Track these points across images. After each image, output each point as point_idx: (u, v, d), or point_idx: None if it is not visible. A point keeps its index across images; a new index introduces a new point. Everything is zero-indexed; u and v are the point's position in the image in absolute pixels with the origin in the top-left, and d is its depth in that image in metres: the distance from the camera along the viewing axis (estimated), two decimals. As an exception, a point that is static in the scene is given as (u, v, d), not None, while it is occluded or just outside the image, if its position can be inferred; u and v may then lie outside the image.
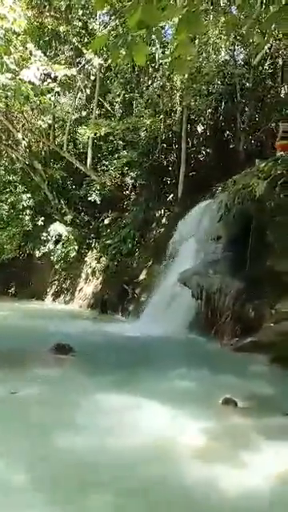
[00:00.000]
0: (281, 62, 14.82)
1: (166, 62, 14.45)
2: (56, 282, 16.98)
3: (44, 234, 16.42)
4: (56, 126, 17.81)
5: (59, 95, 16.45)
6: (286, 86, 14.44)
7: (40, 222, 16.50)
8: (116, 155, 16.08)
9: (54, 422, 4.10)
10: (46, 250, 16.42)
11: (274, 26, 5.02)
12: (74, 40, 15.66)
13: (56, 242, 16.30)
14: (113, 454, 3.51)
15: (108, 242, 15.04)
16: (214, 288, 9.12)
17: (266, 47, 13.19)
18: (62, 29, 15.19)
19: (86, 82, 16.11)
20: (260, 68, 14.77)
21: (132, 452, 3.56)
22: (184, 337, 8.87)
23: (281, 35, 12.68)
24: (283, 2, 4.12)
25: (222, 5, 12.80)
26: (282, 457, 3.56)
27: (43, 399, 4.74)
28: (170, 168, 15.91)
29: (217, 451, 3.64)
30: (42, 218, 16.55)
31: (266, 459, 3.51)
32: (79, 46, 15.69)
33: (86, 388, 5.14)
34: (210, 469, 3.30)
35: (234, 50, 14.80)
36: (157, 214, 14.92)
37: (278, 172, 8.44)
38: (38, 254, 16.61)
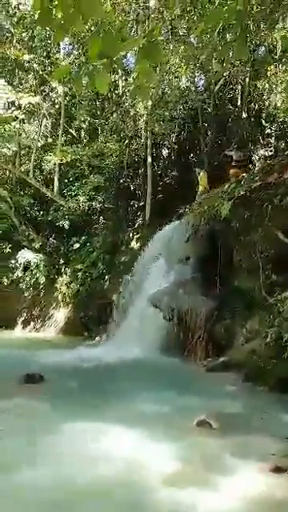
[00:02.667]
0: (240, 88, 15.45)
1: (129, 89, 14.81)
2: (26, 310, 16.64)
3: (12, 262, 16.16)
4: (22, 152, 17.81)
5: (24, 123, 16.52)
6: (244, 110, 14.99)
7: (8, 250, 16.25)
8: (83, 181, 16.17)
9: (22, 453, 3.96)
10: (15, 278, 16.14)
11: (230, 53, 5.27)
12: (37, 69, 15.85)
13: (25, 269, 16.05)
14: (84, 482, 3.41)
15: (78, 266, 14.95)
16: (184, 308, 9.19)
17: (224, 74, 13.75)
18: (25, 58, 15.36)
19: (50, 110, 16.26)
20: (220, 94, 15.34)
21: (104, 480, 3.47)
22: (156, 358, 8.82)
23: (238, 62, 13.27)
24: (238, 31, 4.35)
25: (181, 34, 13.31)
26: (257, 478, 3.55)
27: (11, 430, 4.59)
28: (137, 191, 16.11)
29: (192, 475, 3.60)
30: (10, 246, 16.32)
31: (241, 481, 3.48)
32: (43, 75, 15.90)
33: (55, 417, 5.01)
34: (185, 494, 3.24)
35: (195, 76, 15.34)
36: (126, 237, 14.99)
37: (241, 193, 8.68)
38: (6, 281, 16.29)
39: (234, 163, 11.22)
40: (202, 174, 12.46)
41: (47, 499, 3.17)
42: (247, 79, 14.63)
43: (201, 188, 12.33)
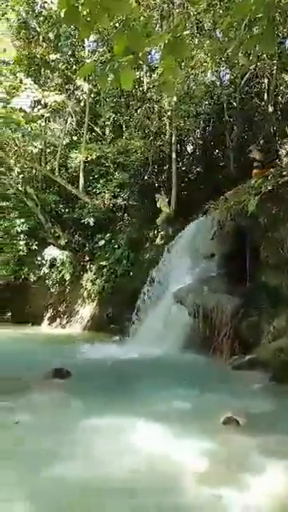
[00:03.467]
0: (266, 82, 15.18)
1: (154, 85, 14.77)
2: (52, 306, 16.88)
3: (38, 259, 16.40)
4: (47, 151, 18.00)
5: (50, 121, 16.68)
6: (271, 104, 14.72)
7: (34, 247, 16.50)
8: (108, 178, 16.23)
9: (52, 448, 4.02)
10: (41, 274, 16.38)
11: (257, 47, 5.18)
12: (63, 67, 15.95)
13: (51, 266, 16.27)
14: (112, 479, 3.44)
15: (103, 263, 15.03)
16: (210, 306, 9.12)
17: (251, 67, 13.53)
18: (51, 57, 15.49)
19: (75, 108, 16.36)
20: (246, 88, 15.11)
21: (132, 476, 3.49)
22: (181, 356, 8.79)
23: (264, 55, 13.03)
24: (265, 24, 4.27)
25: (206, 28, 13.16)
26: (285, 477, 3.50)
27: (41, 425, 4.67)
28: (162, 188, 16.05)
29: (220, 473, 3.58)
30: (36, 243, 16.56)
31: (270, 480, 3.45)
32: (68, 73, 16.01)
33: (83, 412, 5.07)
34: (214, 491, 3.23)
35: (220, 71, 15.15)
36: (150, 234, 14.98)
37: (269, 188, 8.55)
38: (33, 278, 16.56)
39: (255, 164, 11.01)
40: (160, 198, 13.55)
41: (75, 494, 3.21)
42: (274, 72, 14.35)
43: (164, 210, 13.52)
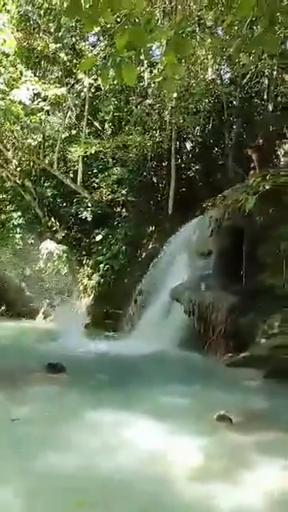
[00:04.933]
0: (266, 81, 15.17)
1: (154, 81, 14.71)
2: (47, 300, 16.85)
3: (35, 252, 16.36)
4: (46, 144, 17.91)
5: (49, 114, 16.60)
6: (271, 105, 14.72)
7: (31, 240, 16.45)
8: (106, 173, 16.19)
9: (46, 442, 4.03)
10: (37, 268, 16.34)
11: (259, 46, 5.16)
12: (65, 59, 15.82)
13: (47, 260, 16.24)
14: (105, 473, 3.46)
15: (99, 258, 15.03)
16: (206, 303, 9.14)
17: (252, 66, 13.50)
18: (51, 46, 15.35)
19: (75, 101, 16.27)
20: (246, 87, 15.10)
21: (124, 471, 3.51)
22: (176, 353, 8.82)
23: (265, 55, 13.00)
24: (267, 24, 4.25)
25: (208, 26, 13.11)
26: (279, 474, 3.53)
27: (35, 420, 4.67)
28: (161, 185, 16.03)
29: (213, 469, 3.61)
30: (33, 236, 16.52)
31: (263, 477, 3.49)
32: (69, 67, 15.91)
33: (77, 407, 5.08)
34: (206, 487, 3.26)
35: (221, 69, 15.12)
36: (148, 230, 14.97)
37: (267, 187, 8.56)
38: (28, 272, 16.51)
39: (252, 165, 10.96)
40: None
41: (70, 487, 3.23)
42: (274, 72, 14.34)
43: None
